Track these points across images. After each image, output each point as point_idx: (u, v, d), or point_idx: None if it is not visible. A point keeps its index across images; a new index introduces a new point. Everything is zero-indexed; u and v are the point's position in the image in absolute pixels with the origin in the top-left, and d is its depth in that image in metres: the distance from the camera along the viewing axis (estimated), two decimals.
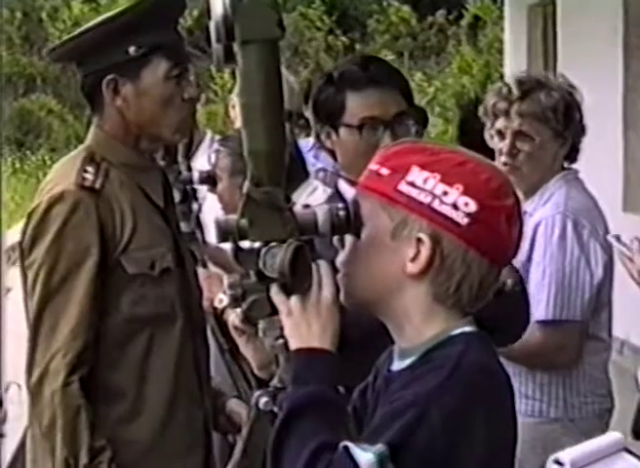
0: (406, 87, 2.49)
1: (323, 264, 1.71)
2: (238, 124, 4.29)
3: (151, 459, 2.45)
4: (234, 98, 4.78)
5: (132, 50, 2.40)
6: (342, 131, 2.40)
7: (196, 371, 2.52)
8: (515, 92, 2.90)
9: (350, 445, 1.55)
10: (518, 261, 2.78)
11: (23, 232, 2.41)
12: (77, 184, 2.37)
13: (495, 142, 2.94)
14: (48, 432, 2.35)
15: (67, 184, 2.37)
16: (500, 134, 2.92)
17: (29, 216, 2.40)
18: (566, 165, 2.98)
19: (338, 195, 2.44)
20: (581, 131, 2.97)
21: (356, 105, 2.39)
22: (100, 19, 2.51)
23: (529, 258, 2.83)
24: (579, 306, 2.81)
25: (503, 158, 2.89)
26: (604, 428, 2.91)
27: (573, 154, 2.98)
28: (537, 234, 2.83)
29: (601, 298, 2.89)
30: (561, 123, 2.89)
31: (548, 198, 2.90)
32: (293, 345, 1.68)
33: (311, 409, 1.62)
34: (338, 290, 1.72)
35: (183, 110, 2.47)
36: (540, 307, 2.79)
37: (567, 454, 1.62)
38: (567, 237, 2.81)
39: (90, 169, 2.40)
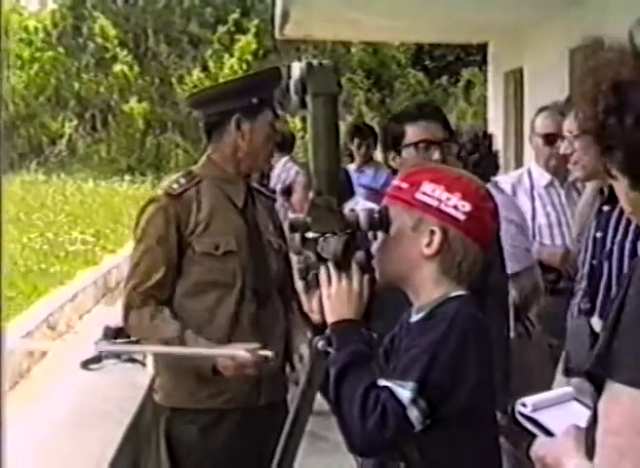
0: (445, 121, 3.21)
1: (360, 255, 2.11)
2: None
3: None
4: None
5: (254, 100, 3.18)
6: (404, 151, 3.10)
7: (256, 326, 3.18)
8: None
9: (390, 384, 1.97)
10: None
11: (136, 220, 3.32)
12: (164, 192, 3.16)
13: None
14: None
15: (160, 192, 3.21)
16: None
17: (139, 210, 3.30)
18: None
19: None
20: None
21: (412, 131, 3.13)
22: (235, 78, 3.46)
23: None
24: None
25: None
26: None
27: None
28: None
29: None
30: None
31: None
32: (334, 312, 2.08)
33: (354, 365, 2.03)
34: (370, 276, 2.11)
35: (271, 147, 3.25)
36: None
37: (530, 399, 1.86)
38: None
39: (182, 181, 3.19)
